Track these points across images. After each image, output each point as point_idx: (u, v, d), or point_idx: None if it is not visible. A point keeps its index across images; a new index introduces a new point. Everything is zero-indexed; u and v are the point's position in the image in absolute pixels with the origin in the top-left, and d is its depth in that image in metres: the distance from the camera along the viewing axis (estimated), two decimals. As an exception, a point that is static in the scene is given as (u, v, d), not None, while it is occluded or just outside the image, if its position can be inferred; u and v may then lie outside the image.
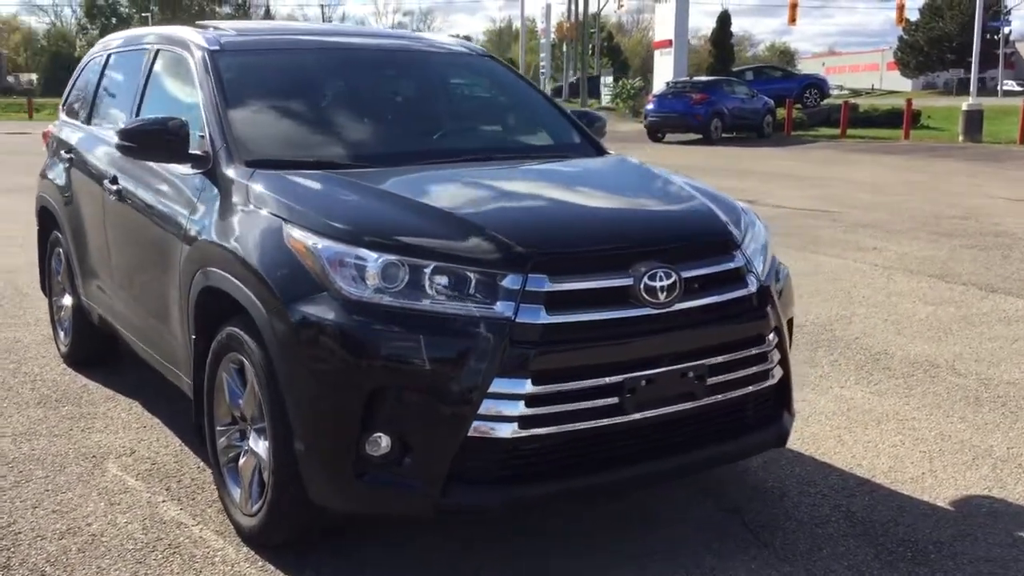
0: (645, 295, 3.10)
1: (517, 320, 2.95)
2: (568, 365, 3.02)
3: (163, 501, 3.86)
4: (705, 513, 3.78)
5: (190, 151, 3.85)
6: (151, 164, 4.13)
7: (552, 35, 52.73)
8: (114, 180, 4.54)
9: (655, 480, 3.48)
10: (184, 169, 3.91)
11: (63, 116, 5.86)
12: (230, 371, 3.50)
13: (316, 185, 3.49)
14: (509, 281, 2.99)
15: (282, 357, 3.12)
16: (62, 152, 5.46)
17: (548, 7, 56.09)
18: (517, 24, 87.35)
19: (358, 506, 3.13)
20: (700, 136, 26.35)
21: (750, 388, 3.39)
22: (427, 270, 3.01)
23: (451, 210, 3.31)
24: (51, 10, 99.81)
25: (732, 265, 3.38)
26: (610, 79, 43.34)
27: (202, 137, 3.88)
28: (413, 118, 4.38)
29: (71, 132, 5.49)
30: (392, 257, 3.02)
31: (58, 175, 5.48)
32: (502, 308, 2.97)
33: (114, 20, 75.66)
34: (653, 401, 3.14)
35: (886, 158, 21.32)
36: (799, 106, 31.35)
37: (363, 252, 3.03)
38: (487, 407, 2.93)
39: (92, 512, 3.75)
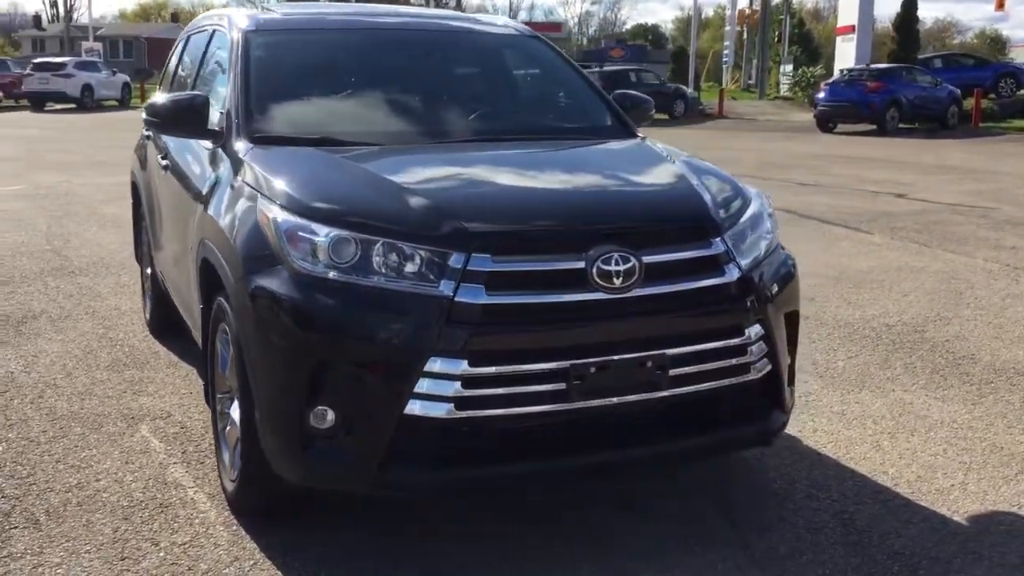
0: (598, 279, 3.00)
1: (456, 299, 2.92)
2: (508, 347, 2.97)
3: (174, 463, 4.03)
4: (697, 509, 3.64)
5: (209, 127, 3.98)
6: (184, 139, 4.31)
7: (735, 22, 51.38)
8: (165, 155, 4.77)
9: (609, 471, 3.37)
10: (206, 144, 4.06)
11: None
12: (223, 341, 3.61)
13: (296, 161, 3.55)
14: (453, 260, 2.96)
15: (242, 327, 3.19)
16: (144, 130, 5.76)
17: (735, -7, 54.78)
18: (707, 11, 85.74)
19: (305, 478, 3.15)
20: (875, 126, 25.10)
21: (724, 381, 3.22)
22: (376, 246, 3.01)
23: (413, 188, 3.28)
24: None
25: (706, 252, 3.22)
26: (789, 67, 41.89)
27: (222, 113, 4.01)
28: (433, 97, 4.37)
29: (154, 111, 5.78)
30: (343, 232, 3.03)
31: (141, 152, 5.79)
32: (443, 286, 2.94)
33: (314, 9, 78.91)
34: (605, 389, 3.03)
35: (1077, 152, 19.74)
36: (992, 96, 29.40)
37: (316, 226, 3.06)
38: (423, 386, 2.91)
39: (106, 470, 3.95)
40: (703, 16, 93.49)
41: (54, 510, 3.59)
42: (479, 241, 2.98)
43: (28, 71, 36.17)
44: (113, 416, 4.55)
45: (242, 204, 3.43)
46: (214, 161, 3.92)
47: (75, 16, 69.64)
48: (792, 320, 3.55)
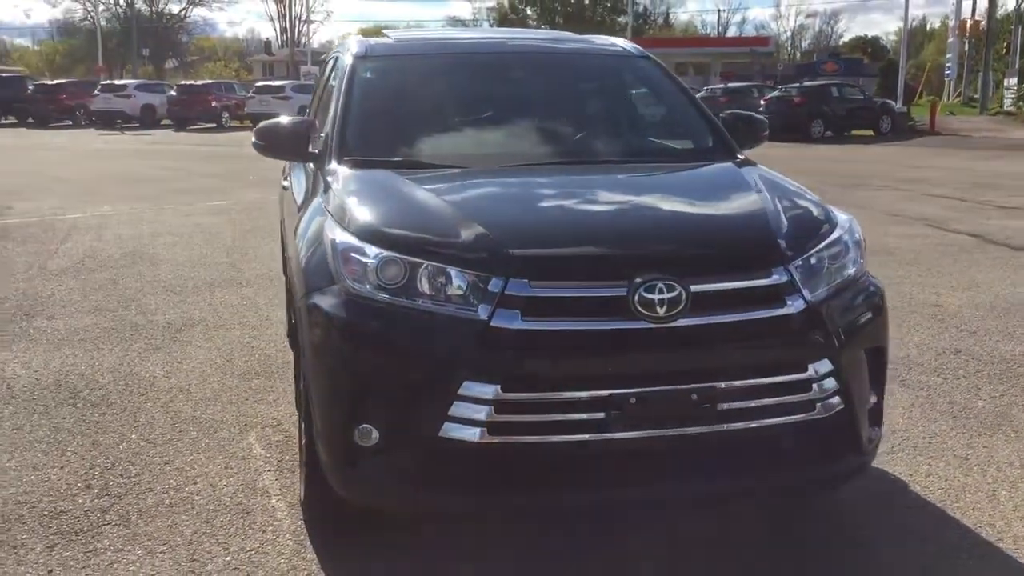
0: (640, 308, 2.90)
1: (492, 324, 2.90)
2: (543, 374, 2.92)
3: (268, 471, 4.19)
4: (772, 546, 3.46)
5: (310, 150, 4.13)
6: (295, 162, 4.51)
7: (957, 33, 48.59)
8: (287, 175, 4.99)
9: (644, 507, 3.23)
10: (309, 166, 4.23)
11: (306, 119, 6.49)
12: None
13: (365, 183, 3.62)
14: (492, 284, 2.95)
15: (302, 344, 3.30)
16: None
17: (958, 1, 51.86)
18: (933, 22, 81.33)
19: (351, 495, 3.20)
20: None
21: (781, 419, 3.04)
22: (422, 268, 3.04)
23: (468, 211, 3.28)
24: (471, 24, 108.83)
25: (764, 282, 3.05)
26: (1014, 80, 39.14)
27: (322, 136, 4.16)
28: (525, 120, 4.36)
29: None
30: (391, 254, 3.07)
31: (281, 171, 6.09)
32: (481, 311, 2.93)
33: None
34: (646, 421, 2.94)
35: None
36: None
37: (368, 248, 3.12)
38: (457, 409, 2.91)
39: (205, 473, 4.16)
40: (929, 27, 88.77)
41: (147, 510, 3.81)
42: (517, 266, 2.95)
43: (251, 94, 38.68)
44: (229, 422, 4.78)
45: (316, 225, 3.54)
46: (311, 183, 4.07)
47: (302, 41, 73.92)
48: (877, 356, 3.31)
